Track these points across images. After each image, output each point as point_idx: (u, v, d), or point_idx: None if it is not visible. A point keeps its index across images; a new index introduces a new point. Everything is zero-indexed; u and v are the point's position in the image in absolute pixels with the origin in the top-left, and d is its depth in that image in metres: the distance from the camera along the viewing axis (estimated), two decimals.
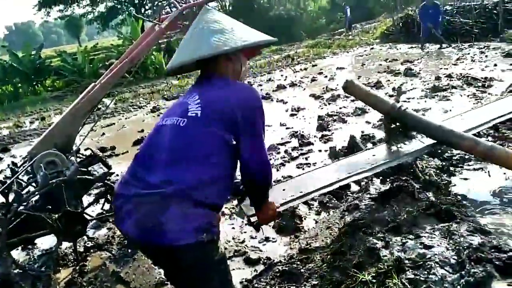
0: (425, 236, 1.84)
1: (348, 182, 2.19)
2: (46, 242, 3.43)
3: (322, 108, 6.91)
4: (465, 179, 2.65)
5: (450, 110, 5.23)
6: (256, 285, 2.25)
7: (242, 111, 1.46)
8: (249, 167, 1.54)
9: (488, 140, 3.09)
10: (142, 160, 1.51)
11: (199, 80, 1.67)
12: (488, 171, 2.60)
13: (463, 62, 9.17)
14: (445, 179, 2.52)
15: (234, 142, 1.47)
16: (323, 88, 8.57)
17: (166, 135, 1.48)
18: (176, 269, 1.42)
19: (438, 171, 2.62)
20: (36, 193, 2.87)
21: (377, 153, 2.47)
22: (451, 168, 2.70)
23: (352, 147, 2.91)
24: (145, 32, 3.64)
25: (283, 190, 2.14)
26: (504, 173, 2.52)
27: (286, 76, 11.45)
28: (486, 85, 6.31)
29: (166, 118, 1.54)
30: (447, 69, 8.53)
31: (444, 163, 2.74)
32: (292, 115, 6.68)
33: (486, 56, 9.38)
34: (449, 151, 2.98)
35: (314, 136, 5.29)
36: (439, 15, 11.84)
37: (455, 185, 2.52)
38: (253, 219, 1.85)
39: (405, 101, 6.31)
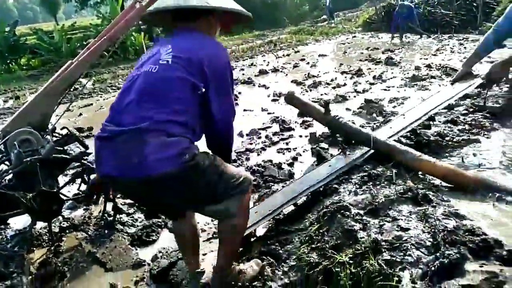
0: (401, 219, 1.87)
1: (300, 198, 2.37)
2: (19, 222, 3.35)
3: (303, 94, 6.91)
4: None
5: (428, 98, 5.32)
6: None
7: (210, 64, 1.55)
8: (216, 124, 1.66)
9: (464, 129, 3.18)
10: (116, 106, 1.58)
11: (174, 32, 1.72)
12: (462, 157, 2.67)
13: (442, 53, 9.32)
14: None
15: (204, 90, 1.56)
16: (305, 74, 8.58)
17: (138, 81, 1.56)
18: (169, 192, 1.53)
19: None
20: (10, 171, 2.78)
21: (332, 163, 2.60)
22: (429, 154, 2.75)
23: (318, 159, 3.09)
24: (125, 10, 3.53)
25: (255, 213, 2.26)
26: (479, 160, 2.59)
27: (268, 62, 11.40)
28: None
29: (139, 68, 1.62)
30: (426, 59, 8.65)
31: (423, 149, 2.79)
32: (273, 100, 6.66)
33: (465, 47, 9.56)
34: (425, 136, 3.03)
35: (295, 122, 5.30)
36: (413, 15, 12.23)
37: None
38: None
39: (385, 90, 6.39)
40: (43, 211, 2.84)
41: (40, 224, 3.15)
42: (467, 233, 1.66)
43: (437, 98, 3.44)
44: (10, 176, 2.84)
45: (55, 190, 2.86)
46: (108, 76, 12.41)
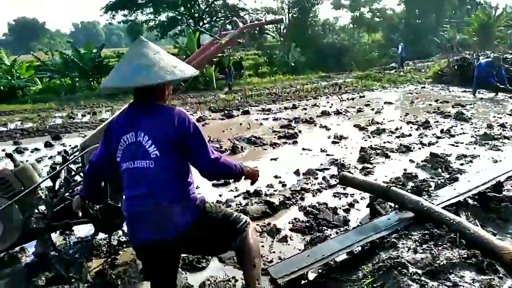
0: (463, 286, 1.77)
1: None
2: (83, 230, 3.58)
3: (365, 140, 6.83)
4: (511, 233, 2.54)
5: (500, 161, 5.01)
6: None
7: (184, 131, 1.89)
8: (207, 170, 1.97)
9: None
10: (130, 192, 1.93)
11: (136, 105, 1.99)
12: None
13: None
14: (490, 230, 2.42)
15: (183, 157, 1.94)
16: (369, 120, 8.47)
17: (142, 174, 1.88)
18: (194, 238, 1.95)
19: (483, 222, 2.52)
20: (82, 182, 3.02)
21: (391, 217, 2.54)
22: (498, 221, 2.59)
23: (372, 212, 3.00)
24: (205, 45, 3.79)
25: (307, 256, 2.28)
26: None
27: (332, 104, 11.44)
28: None
29: (132, 161, 1.91)
30: (500, 118, 8.22)
31: (491, 215, 2.63)
32: (334, 142, 6.64)
33: None
34: (495, 202, 2.86)
35: (355, 167, 5.23)
36: (502, 74, 11.58)
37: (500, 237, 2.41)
38: None
39: (453, 145, 6.14)
40: (106, 223, 3.03)
41: (101, 235, 3.34)
42: None
43: (509, 162, 3.26)
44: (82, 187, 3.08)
45: (119, 205, 3.04)
46: (178, 103, 13.09)
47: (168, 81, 1.89)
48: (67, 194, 3.03)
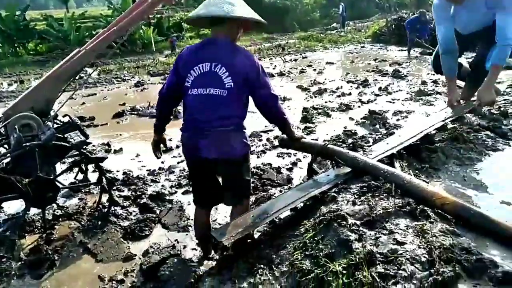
0: (398, 233, 1.84)
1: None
2: (13, 206, 3.34)
3: (308, 101, 6.91)
4: (442, 181, 2.69)
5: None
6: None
7: (253, 74, 2.19)
8: (269, 100, 2.30)
9: None
10: (200, 116, 2.16)
11: (211, 40, 2.25)
12: (463, 176, 2.65)
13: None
14: (423, 180, 2.54)
15: (248, 95, 2.27)
16: (311, 81, 8.57)
17: (213, 101, 2.14)
18: (233, 169, 2.30)
19: (417, 172, 2.64)
20: (8, 155, 2.77)
21: (330, 173, 2.58)
22: (430, 170, 2.73)
23: (310, 173, 3.01)
24: (136, 3, 3.51)
25: (252, 216, 2.23)
26: (480, 179, 2.57)
27: (275, 65, 11.40)
28: None
29: (205, 88, 2.14)
30: (433, 74, 8.63)
31: (423, 165, 2.76)
32: None
33: None
34: (426, 153, 3.01)
35: (297, 128, 5.29)
36: (426, 30, 11.87)
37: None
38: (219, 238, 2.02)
39: (390, 102, 6.38)
40: (38, 198, 2.82)
41: (33, 211, 3.13)
42: (463, 252, 1.63)
43: (436, 117, 3.42)
44: (8, 159, 2.83)
45: (51, 177, 2.84)
46: (114, 67, 12.41)
47: (251, 19, 2.21)
48: None
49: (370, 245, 1.76)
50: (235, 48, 2.24)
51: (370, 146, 3.16)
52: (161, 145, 2.56)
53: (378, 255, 1.68)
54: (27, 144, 2.70)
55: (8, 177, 2.67)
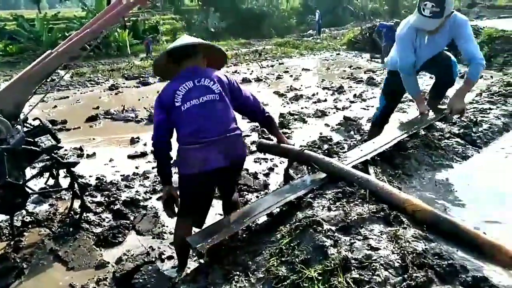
0: (372, 238, 1.87)
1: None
2: None
3: (284, 106, 6.96)
4: (414, 187, 2.76)
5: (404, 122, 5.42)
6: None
7: (232, 83, 2.40)
8: (253, 104, 2.51)
9: None
10: (202, 126, 2.20)
11: (184, 70, 2.31)
12: (435, 182, 2.72)
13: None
14: (396, 186, 2.60)
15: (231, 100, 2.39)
16: (288, 87, 8.63)
17: (209, 108, 2.21)
18: (238, 173, 2.62)
19: (390, 178, 2.70)
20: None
21: (306, 179, 2.60)
22: (403, 176, 2.79)
23: (286, 179, 3.03)
24: (111, 5, 3.47)
25: (228, 222, 2.22)
26: (451, 184, 2.64)
27: (252, 71, 11.44)
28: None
29: (198, 99, 2.21)
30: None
31: (396, 171, 2.82)
32: None
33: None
34: (399, 160, 3.08)
35: None
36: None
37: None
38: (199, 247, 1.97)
39: (364, 108, 6.50)
40: (6, 204, 2.71)
41: (1, 217, 3.02)
42: (435, 257, 1.67)
43: (409, 124, 3.52)
44: None
45: (20, 183, 2.74)
46: (88, 70, 12.16)
47: (218, 48, 2.51)
48: None
49: (345, 251, 1.77)
50: (209, 68, 2.40)
51: (345, 152, 3.21)
52: (174, 205, 2.38)
53: (353, 261, 1.69)
54: None
55: None
